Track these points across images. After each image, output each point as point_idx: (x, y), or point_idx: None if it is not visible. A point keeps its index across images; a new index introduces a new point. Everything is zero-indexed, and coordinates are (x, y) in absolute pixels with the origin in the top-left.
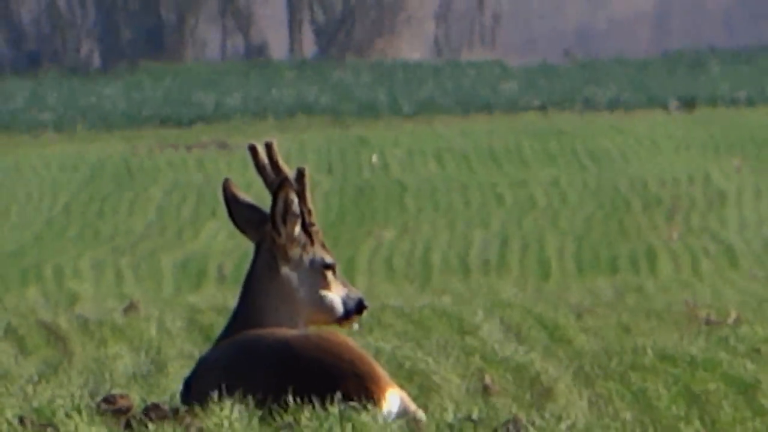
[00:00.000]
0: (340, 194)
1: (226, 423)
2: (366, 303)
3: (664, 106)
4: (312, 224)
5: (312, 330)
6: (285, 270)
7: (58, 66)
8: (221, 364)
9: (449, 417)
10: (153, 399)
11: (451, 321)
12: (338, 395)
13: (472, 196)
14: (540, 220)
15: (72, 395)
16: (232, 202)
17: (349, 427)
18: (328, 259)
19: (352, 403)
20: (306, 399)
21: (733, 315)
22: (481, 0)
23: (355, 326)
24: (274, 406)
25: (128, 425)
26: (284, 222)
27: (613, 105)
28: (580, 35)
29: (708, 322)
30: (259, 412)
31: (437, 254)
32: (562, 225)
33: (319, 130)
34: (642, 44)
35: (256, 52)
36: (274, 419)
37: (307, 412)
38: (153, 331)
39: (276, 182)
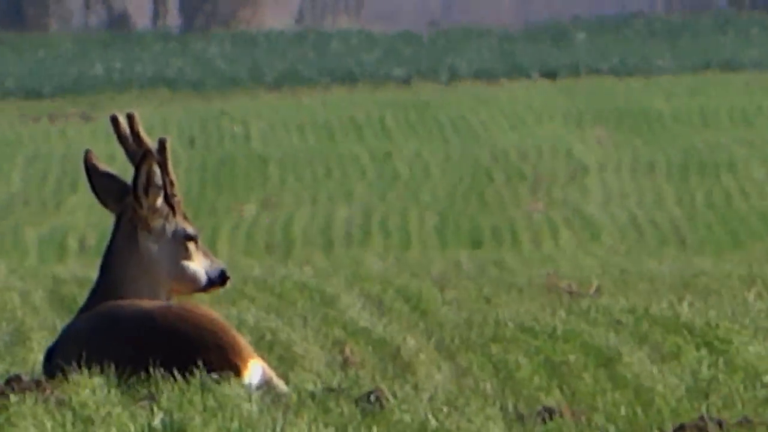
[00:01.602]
0: (202, 167)
1: (86, 393)
2: (228, 274)
3: (528, 77)
4: (174, 195)
5: (174, 301)
6: (146, 241)
7: None
8: (83, 336)
9: (310, 387)
10: (15, 370)
11: (312, 293)
12: (200, 365)
13: (335, 168)
14: (402, 193)
15: None
16: (92, 173)
17: (210, 397)
18: (190, 230)
19: (213, 374)
20: (168, 370)
21: (594, 286)
22: None
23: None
24: (136, 377)
25: None
26: (146, 193)
27: (476, 76)
28: (445, 5)
29: (569, 294)
30: (120, 383)
31: (299, 227)
32: (424, 197)
33: (182, 103)
34: (506, 14)
35: (119, 23)
36: (137, 390)
37: (168, 383)
38: (15, 302)
39: (139, 154)
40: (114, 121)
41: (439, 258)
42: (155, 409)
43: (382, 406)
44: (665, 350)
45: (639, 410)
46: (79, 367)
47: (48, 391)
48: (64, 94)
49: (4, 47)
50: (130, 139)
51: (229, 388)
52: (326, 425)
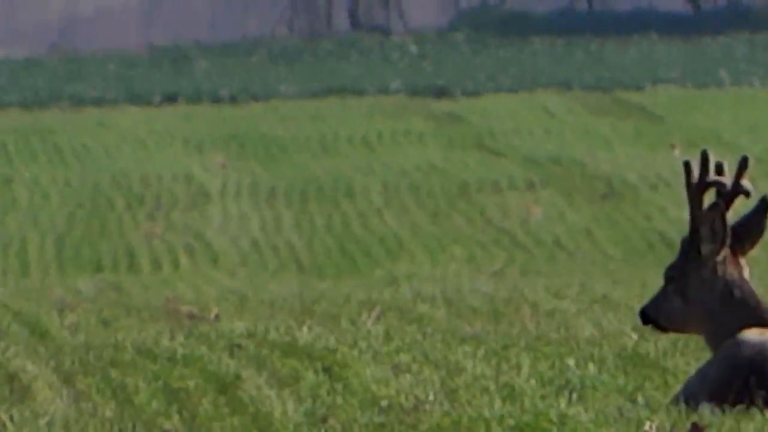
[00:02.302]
0: None
1: None
2: None
3: (149, 102)
4: None
5: None
6: None
7: None
8: None
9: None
10: None
11: None
12: None
13: None
14: (21, 219)
15: None
16: None
17: None
18: None
19: None
20: None
21: (214, 311)
22: None
23: None
24: None
25: None
26: None
27: (98, 101)
28: (68, 29)
29: (189, 318)
30: None
31: None
32: (43, 223)
33: None
34: (130, 37)
35: None
36: None
37: None
38: None
39: None
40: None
41: (58, 283)
42: None
43: None
44: (284, 375)
45: None
46: None
47: None
48: None
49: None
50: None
51: None
52: None
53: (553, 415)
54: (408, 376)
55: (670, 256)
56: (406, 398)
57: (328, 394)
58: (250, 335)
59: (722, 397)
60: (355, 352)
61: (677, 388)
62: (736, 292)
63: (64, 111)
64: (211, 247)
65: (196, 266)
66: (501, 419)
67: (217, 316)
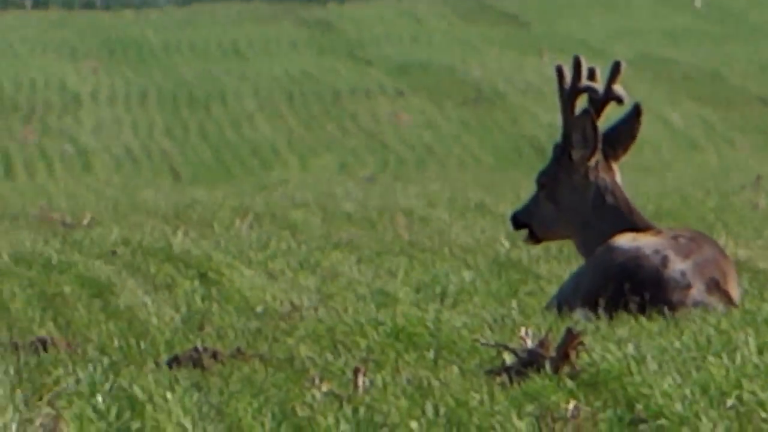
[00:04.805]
0: None
1: None
2: None
3: (21, 7)
4: None
5: None
6: None
7: None
8: None
9: None
10: None
11: None
12: None
13: None
14: None
15: None
16: None
17: None
18: None
19: None
20: None
21: (88, 218)
22: None
23: None
24: None
25: None
26: None
27: None
28: None
29: (63, 225)
30: None
31: None
32: None
33: None
34: None
35: None
36: None
37: None
38: None
39: None
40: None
41: None
42: None
43: None
44: (159, 281)
45: (133, 341)
46: None
47: None
48: None
49: None
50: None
51: None
52: None
53: (428, 320)
54: (283, 282)
55: (540, 162)
56: (282, 304)
57: (203, 301)
58: (125, 242)
59: (596, 303)
60: (230, 259)
61: (551, 293)
62: (609, 198)
63: None
64: (85, 153)
65: (70, 172)
66: (376, 324)
67: (91, 223)
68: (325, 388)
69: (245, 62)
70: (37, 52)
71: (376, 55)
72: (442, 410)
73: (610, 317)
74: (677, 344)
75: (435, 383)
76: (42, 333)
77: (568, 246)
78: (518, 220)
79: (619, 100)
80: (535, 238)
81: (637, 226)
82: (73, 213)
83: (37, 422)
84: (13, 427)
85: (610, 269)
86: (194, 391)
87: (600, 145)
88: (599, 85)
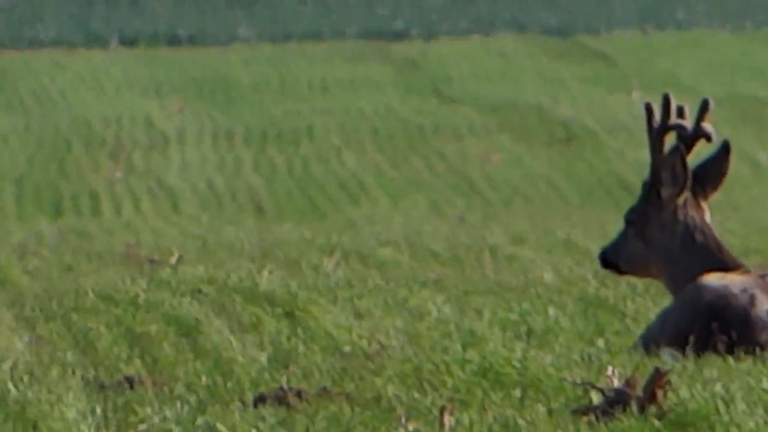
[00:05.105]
0: None
1: None
2: None
3: (107, 44)
4: None
5: None
6: None
7: None
8: None
9: None
10: None
11: None
12: None
13: None
14: None
15: None
16: None
17: None
18: None
19: None
20: None
21: (175, 256)
22: None
23: None
24: None
25: None
26: None
27: (55, 42)
28: None
29: (150, 263)
30: None
31: None
32: (2, 166)
33: None
34: None
35: None
36: None
37: None
38: None
39: None
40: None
41: (19, 227)
42: None
43: None
44: (245, 320)
45: (219, 380)
46: None
47: None
48: None
49: None
50: None
51: None
52: None
53: (514, 359)
54: (370, 321)
55: (628, 200)
56: (369, 343)
57: (290, 340)
58: (211, 280)
59: (683, 342)
60: (316, 297)
61: (638, 332)
62: (698, 236)
63: (22, 52)
64: (172, 190)
65: (157, 210)
66: (463, 363)
67: (178, 261)
68: (411, 427)
69: (332, 99)
70: (123, 90)
71: (462, 93)
72: None
73: (698, 356)
74: (765, 384)
75: (521, 422)
76: (129, 371)
77: (655, 284)
78: (606, 258)
79: (708, 138)
80: (621, 273)
81: (725, 264)
82: (159, 251)
83: None
84: None
85: (698, 308)
86: (280, 430)
87: (689, 183)
88: (688, 123)
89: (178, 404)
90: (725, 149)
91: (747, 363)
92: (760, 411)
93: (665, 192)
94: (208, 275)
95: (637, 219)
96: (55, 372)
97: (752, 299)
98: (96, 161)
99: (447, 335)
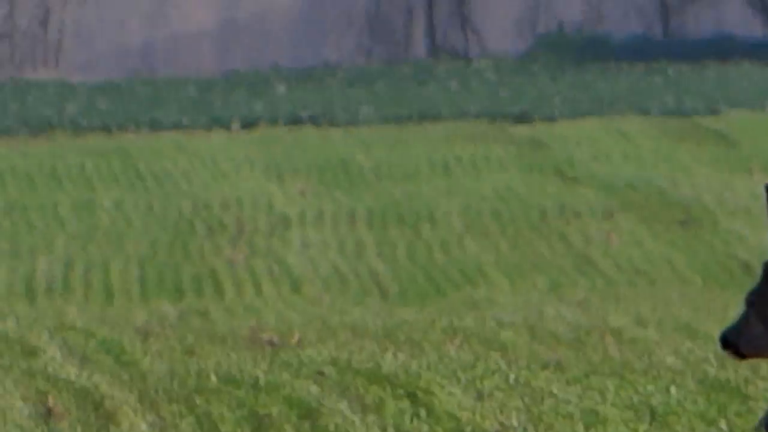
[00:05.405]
0: None
1: None
2: None
3: (227, 127)
4: None
5: None
6: None
7: None
8: None
9: None
10: None
11: (13, 344)
12: None
13: (35, 218)
14: (104, 243)
15: None
16: None
17: None
18: None
19: None
20: None
21: (297, 337)
22: (44, 18)
23: None
24: None
25: None
26: None
27: (177, 126)
28: (145, 53)
29: (271, 345)
30: None
31: (0, 279)
32: (126, 248)
33: None
34: (206, 62)
35: None
36: None
37: None
38: None
39: None
40: None
41: (141, 309)
42: None
43: None
44: (367, 401)
45: None
46: None
47: None
48: None
49: None
50: None
51: None
52: None
53: None
54: (492, 402)
55: (750, 282)
56: (491, 424)
57: (412, 421)
58: (334, 362)
59: None
60: (438, 378)
61: (759, 414)
62: None
63: (143, 135)
64: (293, 273)
65: (279, 292)
66: None
67: (299, 342)
68: None
69: (454, 181)
70: (243, 172)
71: (584, 174)
72: None
73: None
74: None
75: None
76: None
77: None
78: (727, 340)
79: None
80: (743, 357)
81: None
82: (281, 333)
83: None
84: None
85: None
86: None
87: None
88: None
89: None
90: None
91: None
92: None
93: None
94: (331, 357)
95: (758, 301)
96: None
97: None
98: (217, 243)
99: (569, 416)
